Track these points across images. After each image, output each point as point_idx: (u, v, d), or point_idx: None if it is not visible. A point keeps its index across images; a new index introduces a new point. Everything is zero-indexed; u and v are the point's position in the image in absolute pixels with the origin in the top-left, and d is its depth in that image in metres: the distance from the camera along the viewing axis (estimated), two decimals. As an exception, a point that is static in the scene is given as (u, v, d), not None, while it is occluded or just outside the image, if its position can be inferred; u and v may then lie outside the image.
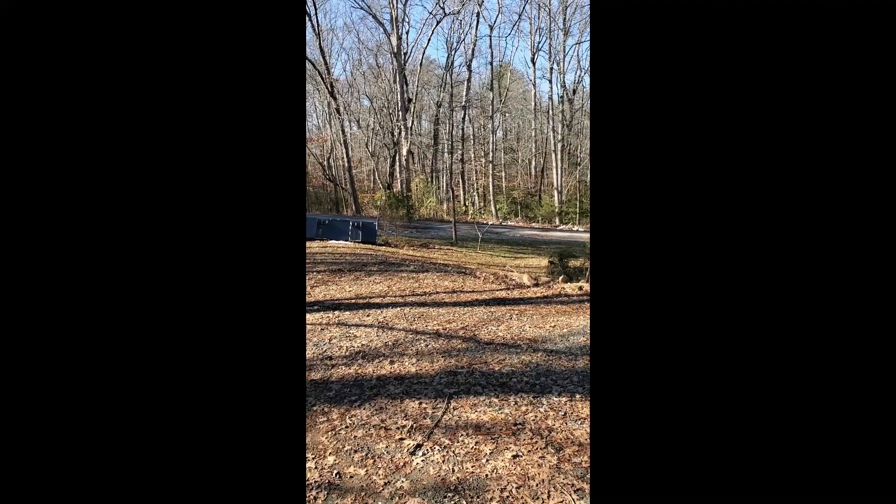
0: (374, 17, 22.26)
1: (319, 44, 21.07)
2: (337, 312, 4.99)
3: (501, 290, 6.56)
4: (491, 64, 26.70)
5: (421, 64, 24.35)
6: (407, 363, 3.60)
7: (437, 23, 22.44)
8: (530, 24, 26.42)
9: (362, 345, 3.99)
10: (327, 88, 21.50)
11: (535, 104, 28.23)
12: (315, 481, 2.15)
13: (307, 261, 8.11)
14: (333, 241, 10.98)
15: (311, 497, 2.04)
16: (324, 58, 21.26)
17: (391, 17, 21.68)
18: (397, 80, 21.92)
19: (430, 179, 27.17)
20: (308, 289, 6.06)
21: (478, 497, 2.05)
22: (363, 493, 2.08)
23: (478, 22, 23.68)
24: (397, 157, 22.38)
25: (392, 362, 3.60)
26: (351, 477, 2.19)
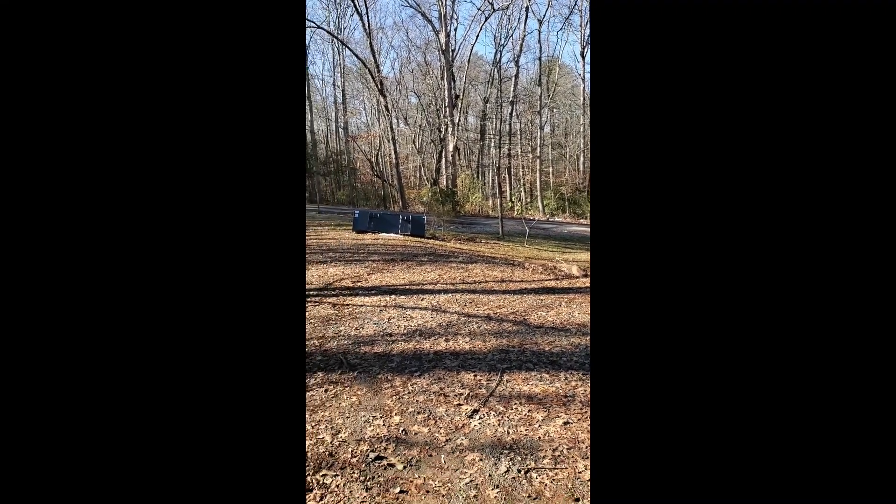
0: (423, 14, 22.61)
1: (370, 43, 21.65)
2: (393, 296, 5.28)
3: (550, 279, 6.68)
4: (539, 59, 26.50)
5: (469, 60, 24.51)
6: (461, 341, 3.82)
7: (486, 19, 22.53)
8: (581, 17, 26.01)
9: (418, 324, 4.24)
10: (376, 86, 22.06)
11: (584, 99, 27.78)
12: (384, 436, 2.41)
13: (362, 251, 8.50)
14: (384, 234, 11.37)
15: (382, 448, 2.29)
16: (374, 56, 21.83)
17: (440, 14, 21.96)
18: (445, 76, 22.20)
19: (476, 175, 27.34)
20: (365, 275, 6.41)
21: (531, 455, 2.24)
22: (427, 447, 2.31)
23: (527, 17, 23.55)
24: (443, 153, 22.69)
25: (447, 340, 3.83)
26: (416, 434, 2.43)
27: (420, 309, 4.78)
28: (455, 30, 23.82)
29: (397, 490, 1.98)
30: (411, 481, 2.04)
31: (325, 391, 2.89)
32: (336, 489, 1.98)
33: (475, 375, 3.14)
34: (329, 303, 4.97)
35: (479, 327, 4.21)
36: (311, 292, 5.45)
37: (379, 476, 2.07)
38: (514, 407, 2.71)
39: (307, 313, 4.58)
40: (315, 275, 6.38)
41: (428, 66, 25.99)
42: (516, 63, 24.70)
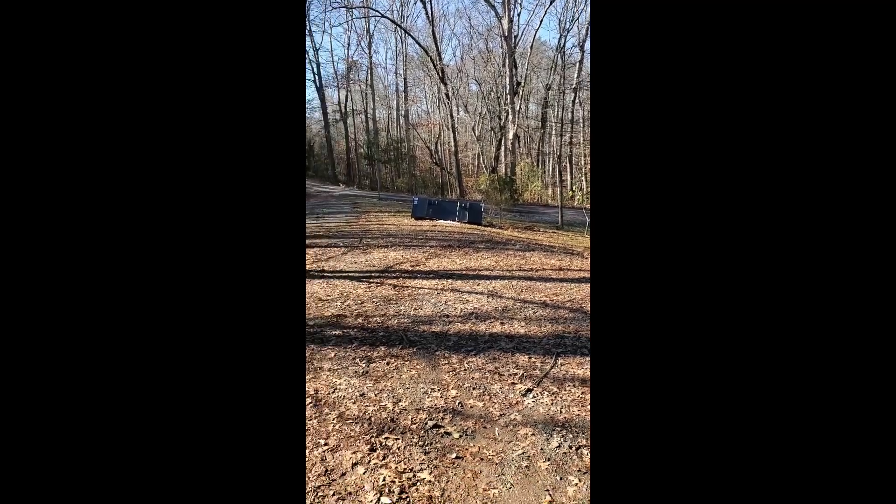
0: (487, 0, 22.36)
1: (433, 31, 21.77)
2: (450, 281, 5.43)
3: (608, 270, 6.58)
4: (605, 43, 25.47)
5: (531, 46, 24.00)
6: (516, 325, 3.90)
7: (551, 2, 21.92)
8: (651, -3, 24.69)
9: (474, 308, 4.37)
10: (438, 74, 22.18)
11: (653, 84, 26.43)
12: (441, 406, 2.55)
13: (420, 237, 8.72)
14: (442, 221, 11.56)
15: (440, 417, 2.44)
16: (436, 44, 21.93)
17: (503, -1, 21.64)
18: (507, 63, 21.92)
19: (535, 163, 26.95)
20: (423, 259, 6.61)
21: (583, 433, 2.30)
22: (482, 420, 2.43)
23: (593, -1, 22.66)
24: (503, 141, 22.51)
25: (503, 324, 3.93)
26: (471, 407, 2.56)
27: (476, 293, 4.89)
28: (518, 15, 23.23)
29: (453, 456, 2.12)
30: (467, 449, 2.17)
31: (387, 364, 3.08)
32: (397, 451, 2.15)
33: (530, 357, 3.22)
34: (390, 284, 5.20)
35: (534, 313, 4.27)
36: (373, 274, 5.71)
37: (437, 442, 2.22)
38: (567, 388, 2.78)
39: (371, 292, 4.83)
40: (377, 258, 6.66)
41: (490, 53, 25.77)
42: (581, 48, 23.97)
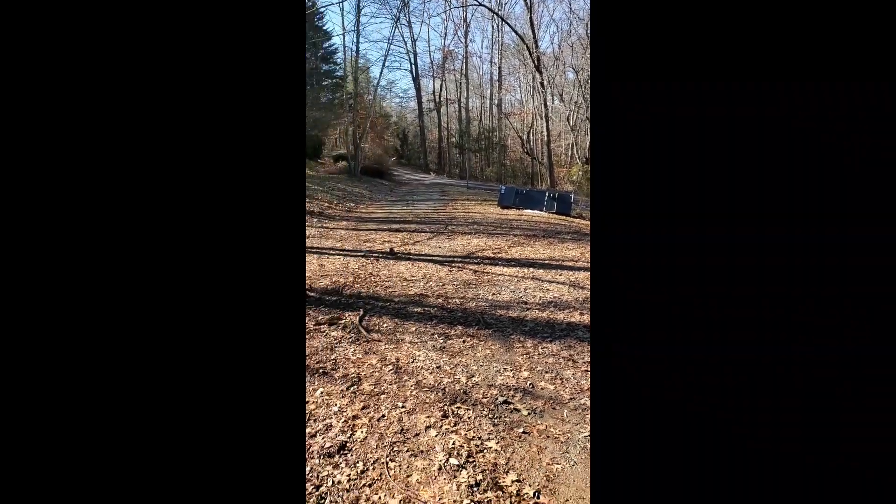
0: (588, -16, 21.48)
1: (530, 18, 21.40)
2: (531, 269, 5.46)
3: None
4: (720, 24, 23.41)
5: (634, 30, 22.76)
6: (595, 316, 3.86)
7: (658, -17, 20.53)
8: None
9: (554, 297, 4.37)
10: (533, 63, 21.80)
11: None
12: (512, 385, 2.65)
13: (505, 225, 8.78)
14: (528, 211, 11.49)
15: (510, 395, 2.54)
16: (533, 32, 21.55)
17: (606, -18, 20.63)
18: (606, 49, 20.93)
19: (632, 155, 25.56)
20: (505, 247, 6.68)
21: (655, 426, 2.28)
22: (552, 401, 2.49)
23: (708, -23, 20.87)
24: (599, 131, 21.61)
25: (582, 314, 3.91)
26: (542, 389, 2.63)
27: (557, 283, 4.88)
28: (622, -2, 22.04)
29: (521, 431, 2.21)
30: (534, 426, 2.25)
31: (463, 342, 3.23)
32: (468, 420, 2.29)
33: (606, 348, 3.20)
34: (471, 269, 5.34)
35: (616, 306, 4.19)
36: (455, 259, 5.89)
37: (506, 417, 2.32)
38: (642, 381, 2.74)
39: (452, 276, 5.02)
40: (460, 244, 6.84)
41: (589, 39, 24.78)
42: (691, 31, 22.20)
